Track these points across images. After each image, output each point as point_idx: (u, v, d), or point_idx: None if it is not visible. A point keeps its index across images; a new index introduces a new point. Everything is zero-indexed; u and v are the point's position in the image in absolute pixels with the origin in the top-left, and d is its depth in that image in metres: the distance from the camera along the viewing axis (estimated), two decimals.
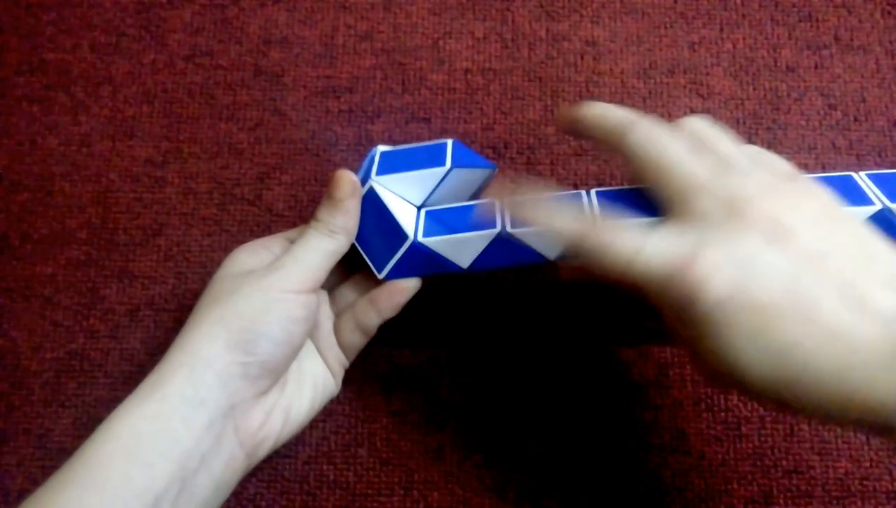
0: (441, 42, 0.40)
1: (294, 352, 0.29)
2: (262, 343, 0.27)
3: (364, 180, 0.31)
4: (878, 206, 0.29)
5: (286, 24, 0.41)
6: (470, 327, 0.36)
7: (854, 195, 0.30)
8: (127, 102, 0.40)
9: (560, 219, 0.26)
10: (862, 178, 0.31)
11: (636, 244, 0.24)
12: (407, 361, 0.36)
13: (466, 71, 0.40)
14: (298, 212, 0.38)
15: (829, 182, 0.31)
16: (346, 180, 0.30)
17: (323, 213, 0.30)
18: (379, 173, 0.31)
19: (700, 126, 0.27)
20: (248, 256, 0.31)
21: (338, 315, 0.33)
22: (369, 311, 0.32)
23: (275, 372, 0.29)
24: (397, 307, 0.32)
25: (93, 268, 0.37)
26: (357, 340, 0.32)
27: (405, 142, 0.39)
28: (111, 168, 0.39)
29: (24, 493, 0.34)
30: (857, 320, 0.21)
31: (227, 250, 0.37)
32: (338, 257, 0.30)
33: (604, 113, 0.28)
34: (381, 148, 0.33)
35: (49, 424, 0.35)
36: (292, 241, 0.31)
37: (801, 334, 0.22)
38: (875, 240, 0.23)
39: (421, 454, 0.35)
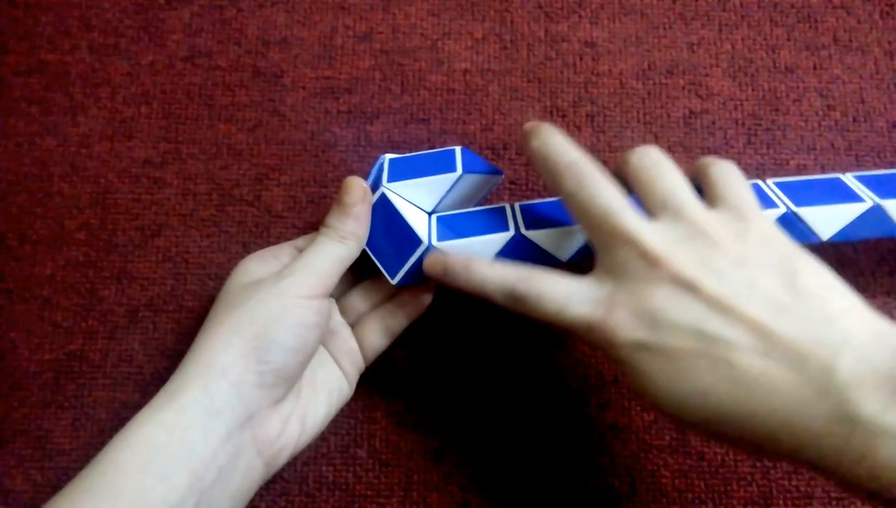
0: (440, 43, 0.40)
1: (308, 359, 0.29)
2: (276, 350, 0.27)
3: (374, 187, 0.32)
4: (869, 204, 0.30)
5: (285, 24, 0.41)
6: (470, 328, 0.36)
7: (845, 195, 0.31)
8: (125, 103, 0.40)
9: (493, 270, 0.28)
10: (850, 180, 0.32)
11: (563, 296, 0.26)
12: (406, 362, 0.36)
13: (465, 72, 0.40)
14: (297, 213, 0.38)
15: (818, 185, 0.32)
16: (357, 186, 0.31)
17: (333, 219, 0.30)
18: (390, 180, 0.31)
19: (646, 162, 0.27)
20: (258, 265, 0.31)
21: (356, 320, 0.33)
22: (398, 314, 0.33)
23: (289, 380, 0.28)
24: (424, 306, 0.33)
25: (91, 269, 0.37)
26: (383, 343, 0.33)
27: (404, 142, 0.39)
28: (110, 169, 0.39)
29: (23, 494, 0.34)
30: (769, 364, 0.22)
31: (226, 251, 0.37)
32: (348, 263, 0.30)
33: (545, 154, 0.28)
34: (389, 156, 0.33)
35: (48, 425, 0.35)
36: (300, 250, 0.32)
37: (714, 380, 0.22)
38: (807, 275, 0.24)
39: (420, 455, 0.35)
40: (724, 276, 0.24)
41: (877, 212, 0.30)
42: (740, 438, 0.23)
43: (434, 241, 0.30)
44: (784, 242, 0.25)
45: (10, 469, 0.34)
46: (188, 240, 0.37)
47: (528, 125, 0.29)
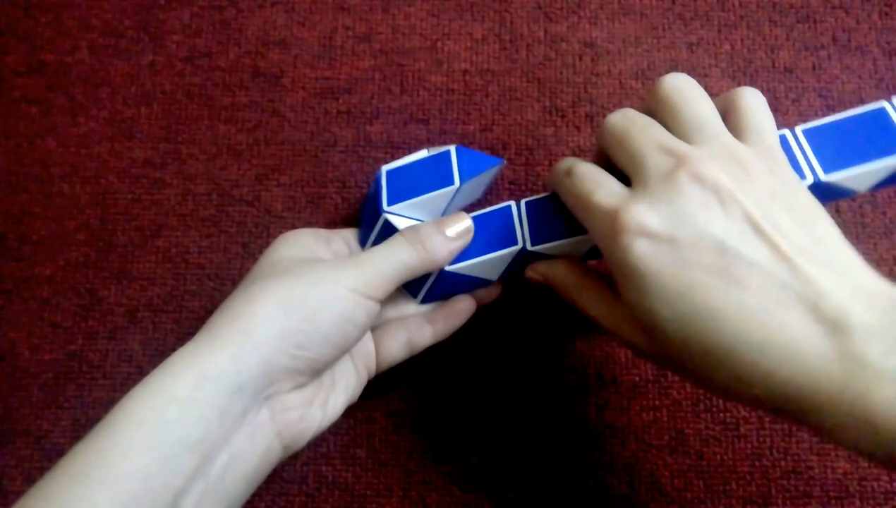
0: (439, 43, 0.40)
1: (342, 355, 0.28)
2: (318, 340, 0.26)
3: (376, 206, 0.31)
4: None
5: (285, 25, 0.41)
6: (469, 327, 0.36)
7: (884, 142, 0.27)
8: (125, 104, 0.40)
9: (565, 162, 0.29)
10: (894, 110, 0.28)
11: (599, 181, 0.25)
12: (405, 362, 0.36)
13: (465, 72, 0.40)
14: (297, 214, 0.38)
15: (855, 127, 0.28)
16: (465, 223, 0.30)
17: (428, 228, 0.29)
18: (390, 202, 0.31)
19: (681, 84, 0.26)
20: (313, 241, 0.30)
21: (380, 325, 0.32)
22: (425, 330, 0.32)
23: (318, 371, 0.28)
24: (453, 330, 0.32)
25: (91, 270, 0.37)
26: (402, 355, 0.32)
27: (404, 142, 0.39)
28: (110, 169, 0.39)
29: (22, 495, 0.34)
30: (784, 297, 0.21)
31: (225, 251, 0.37)
32: (412, 276, 0.29)
33: (611, 137, 0.28)
34: (386, 168, 0.32)
35: (48, 426, 0.35)
36: (348, 244, 0.32)
37: (727, 300, 0.21)
38: (826, 226, 0.23)
39: (420, 455, 0.35)
40: (757, 201, 0.22)
41: None
42: (736, 375, 0.21)
43: (446, 267, 0.30)
44: (806, 193, 0.24)
45: (9, 470, 0.34)
46: (188, 241, 0.38)
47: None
